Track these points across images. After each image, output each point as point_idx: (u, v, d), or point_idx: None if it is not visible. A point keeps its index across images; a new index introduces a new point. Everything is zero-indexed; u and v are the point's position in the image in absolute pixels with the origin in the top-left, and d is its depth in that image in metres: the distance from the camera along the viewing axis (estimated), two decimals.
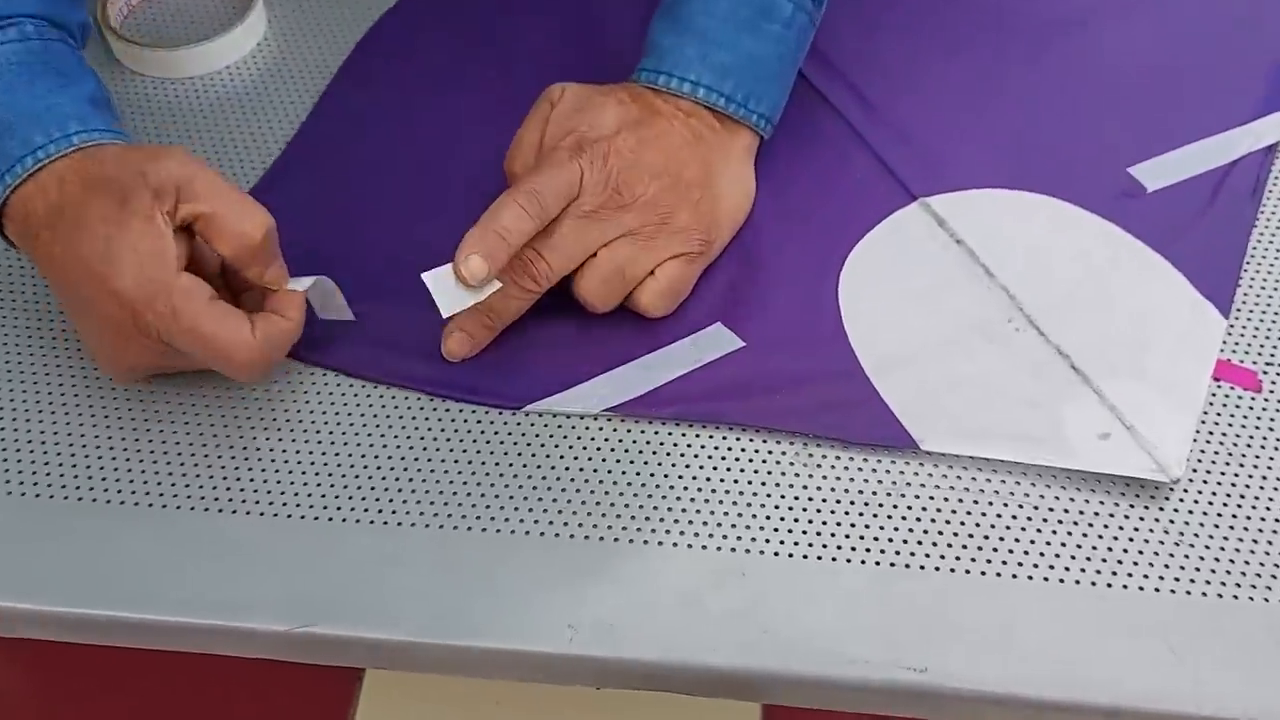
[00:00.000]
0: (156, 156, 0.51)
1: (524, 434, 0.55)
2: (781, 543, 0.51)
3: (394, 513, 0.52)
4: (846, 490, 0.53)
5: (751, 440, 0.55)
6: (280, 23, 0.75)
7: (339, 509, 0.53)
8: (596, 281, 0.56)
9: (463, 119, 0.69)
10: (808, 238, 0.62)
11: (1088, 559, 0.51)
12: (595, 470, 0.54)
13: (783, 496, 0.53)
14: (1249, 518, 0.52)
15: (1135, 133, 0.66)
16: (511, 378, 0.57)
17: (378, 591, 0.50)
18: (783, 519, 0.52)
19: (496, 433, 0.55)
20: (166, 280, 0.49)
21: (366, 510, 0.53)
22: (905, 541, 0.51)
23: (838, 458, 0.54)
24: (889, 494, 0.53)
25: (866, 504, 0.53)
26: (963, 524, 0.52)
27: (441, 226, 0.54)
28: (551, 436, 0.55)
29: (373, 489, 0.53)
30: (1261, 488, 0.53)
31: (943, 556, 0.51)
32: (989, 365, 0.56)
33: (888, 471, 0.54)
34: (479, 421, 0.56)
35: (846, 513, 0.52)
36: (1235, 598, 0.49)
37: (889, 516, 0.52)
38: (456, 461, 0.54)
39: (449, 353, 0.57)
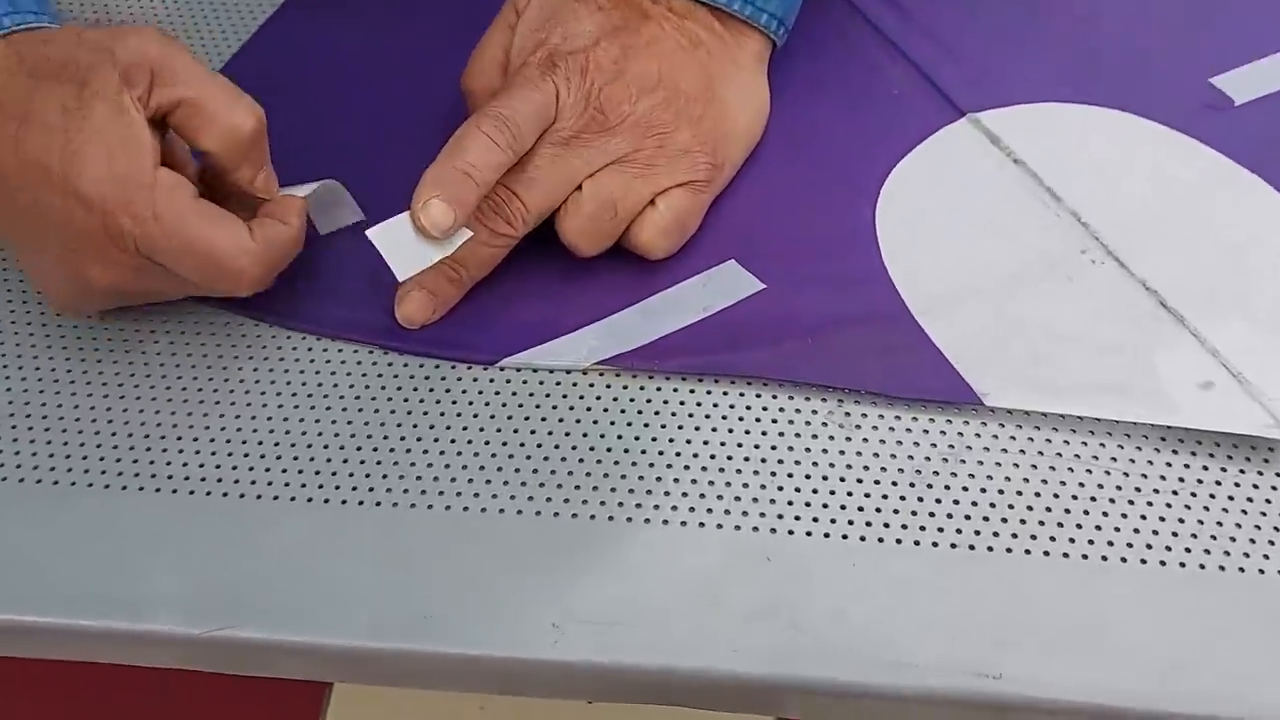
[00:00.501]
0: (124, 34, 0.42)
1: (497, 394, 0.45)
2: (815, 520, 0.42)
3: (336, 488, 0.43)
4: (894, 456, 0.43)
5: (775, 397, 0.45)
6: None
7: (267, 484, 0.43)
8: (582, 219, 0.46)
9: (431, 38, 0.59)
10: (836, 159, 0.52)
11: (1193, 536, 0.41)
12: (585, 435, 0.44)
13: (814, 464, 0.43)
14: None
15: (1217, 39, 0.57)
16: (484, 329, 0.47)
17: (313, 586, 0.40)
18: (815, 491, 0.42)
19: (465, 392, 0.45)
20: (144, 176, 0.40)
21: (303, 486, 0.43)
22: (968, 517, 0.42)
23: (881, 416, 0.44)
24: (945, 460, 0.43)
25: (919, 472, 0.43)
26: (1038, 495, 0.42)
27: (403, 162, 0.45)
28: (532, 395, 0.45)
29: (311, 460, 0.43)
30: None
31: (1014, 535, 0.41)
32: (1062, 304, 0.47)
33: (943, 432, 0.44)
34: (443, 379, 0.46)
35: (894, 483, 0.42)
36: None
37: (946, 487, 0.42)
38: (416, 426, 0.44)
39: (406, 318, 0.47)
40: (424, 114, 0.55)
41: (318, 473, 0.43)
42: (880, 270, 0.48)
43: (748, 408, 0.45)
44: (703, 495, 0.42)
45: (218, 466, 0.43)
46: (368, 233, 0.43)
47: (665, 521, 0.42)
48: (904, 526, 0.41)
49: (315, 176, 0.48)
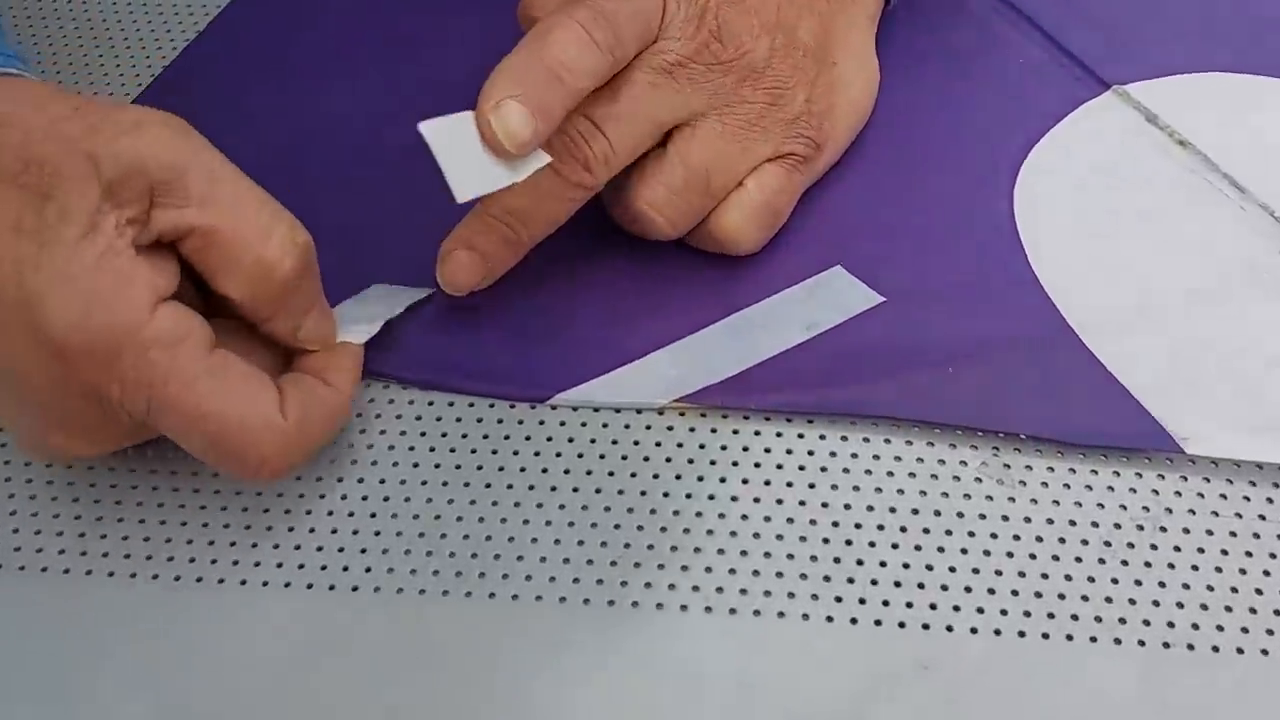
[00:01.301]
0: (116, 126, 0.29)
1: (549, 440, 0.35)
2: (979, 611, 0.31)
3: (323, 568, 0.32)
4: (1073, 523, 0.33)
5: (910, 444, 0.35)
6: None
7: (253, 565, 0.32)
8: (665, 191, 0.36)
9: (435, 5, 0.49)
10: (958, 142, 0.42)
11: None
12: (666, 495, 0.34)
13: (970, 534, 0.33)
14: None
15: None
16: (529, 352, 0.37)
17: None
18: (976, 571, 0.32)
19: (507, 438, 0.35)
20: (135, 328, 0.28)
21: (279, 567, 0.32)
22: (1180, 605, 0.31)
23: (1050, 469, 0.34)
24: (1141, 527, 0.33)
25: (1108, 544, 0.32)
26: (1267, 574, 0.32)
27: (400, 136, 0.33)
28: (594, 442, 0.35)
29: (210, 542, 0.33)
30: None
31: (1244, 630, 0.31)
32: (1270, 321, 0.36)
33: (1132, 490, 0.34)
34: (479, 420, 0.35)
35: (1078, 559, 0.32)
36: None
37: (1147, 564, 0.32)
38: (445, 486, 0.34)
39: (449, 281, 0.36)
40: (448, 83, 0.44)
41: (297, 547, 0.32)
42: (1029, 277, 0.38)
43: (875, 457, 0.34)
44: (827, 578, 0.32)
45: (189, 542, 0.33)
46: (420, 126, 0.31)
47: (781, 614, 0.31)
48: (1098, 619, 0.31)
49: (327, 147, 0.37)
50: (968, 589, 0.32)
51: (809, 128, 0.38)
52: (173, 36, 0.47)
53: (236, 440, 0.29)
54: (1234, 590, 0.32)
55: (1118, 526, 0.33)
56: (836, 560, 0.32)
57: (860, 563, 0.32)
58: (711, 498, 0.33)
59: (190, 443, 0.30)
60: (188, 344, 0.29)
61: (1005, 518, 0.33)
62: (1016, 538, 0.33)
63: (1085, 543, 0.32)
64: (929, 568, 0.32)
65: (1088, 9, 0.47)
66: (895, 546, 0.32)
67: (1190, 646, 0.31)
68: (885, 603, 0.31)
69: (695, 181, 0.36)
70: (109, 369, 0.28)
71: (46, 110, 0.29)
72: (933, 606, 0.31)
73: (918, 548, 0.32)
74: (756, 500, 0.33)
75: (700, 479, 0.34)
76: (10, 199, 0.28)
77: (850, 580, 0.32)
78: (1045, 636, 0.31)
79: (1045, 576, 0.32)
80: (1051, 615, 0.31)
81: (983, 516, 0.33)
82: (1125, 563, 0.32)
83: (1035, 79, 0.44)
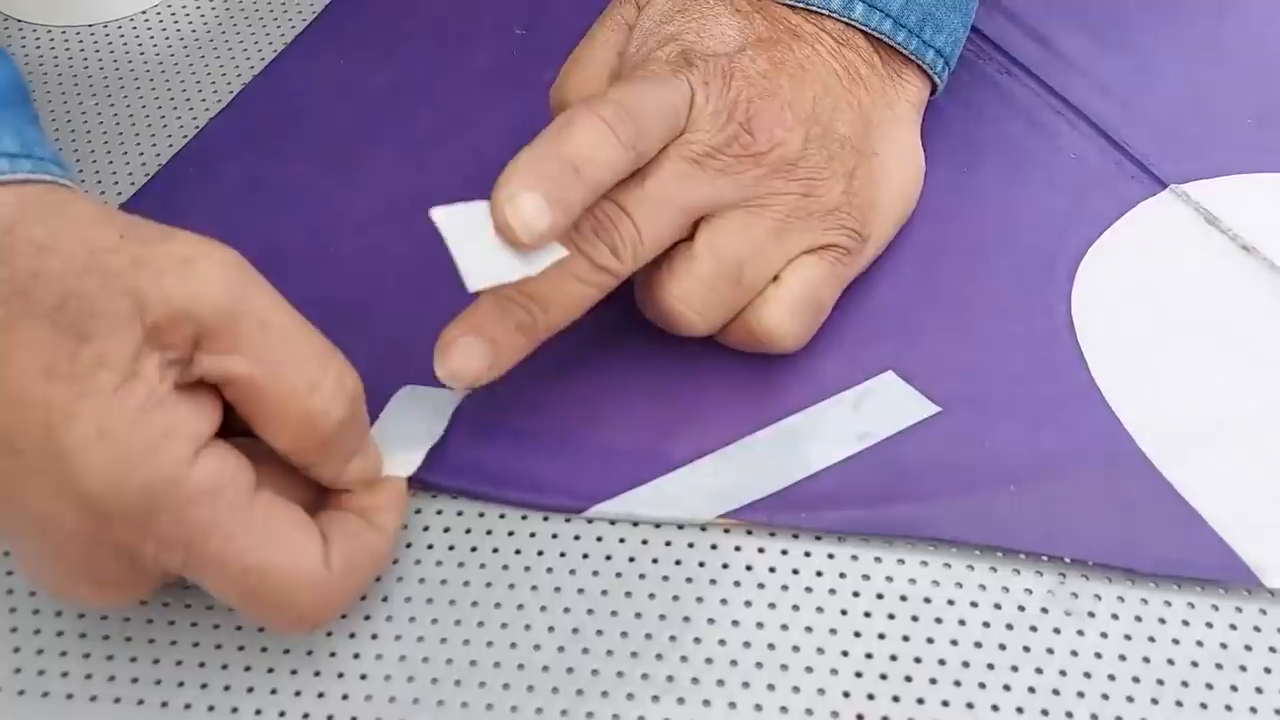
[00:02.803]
0: (161, 257, 0.27)
1: (586, 556, 0.33)
2: None
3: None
4: (1147, 660, 0.31)
5: (971, 568, 0.33)
6: None
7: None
8: (695, 282, 0.34)
9: (468, 81, 0.47)
10: (1010, 240, 0.41)
11: None
12: (711, 622, 0.31)
13: (1038, 670, 0.31)
14: None
15: None
16: (562, 458, 0.35)
17: None
18: (1045, 714, 0.30)
19: (541, 554, 0.33)
20: (174, 483, 0.26)
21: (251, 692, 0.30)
22: None
23: (1120, 599, 0.32)
24: (1220, 666, 0.31)
25: (1185, 684, 0.30)
26: (1274, 650, 0.30)
27: (424, 222, 0.31)
28: (633, 561, 0.33)
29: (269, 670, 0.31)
30: None
31: None
32: None
33: (1209, 624, 0.31)
34: (511, 533, 0.33)
35: (1154, 700, 0.30)
36: None
37: (1228, 708, 0.30)
38: (452, 605, 0.32)
39: (453, 372, 0.32)
40: (465, 172, 0.43)
41: (317, 673, 0.30)
42: (1091, 389, 0.36)
43: (934, 583, 0.32)
44: (886, 719, 0.30)
45: (200, 665, 0.31)
46: (432, 213, 0.29)
47: None
48: None
49: (344, 236, 0.35)
50: None
51: (850, 219, 0.36)
52: (195, 114, 0.46)
53: (277, 596, 0.27)
54: None
55: (1195, 665, 0.31)
56: (895, 699, 0.30)
57: (921, 701, 0.30)
58: (760, 625, 0.31)
59: (227, 596, 0.28)
60: (228, 494, 0.27)
61: (1074, 653, 0.31)
62: (1087, 675, 0.30)
63: (1160, 682, 0.30)
64: (995, 708, 0.30)
65: (1139, 103, 0.45)
66: (958, 684, 0.30)
67: None
68: None
69: (726, 273, 0.34)
70: (145, 528, 0.26)
71: (89, 238, 0.27)
72: None
73: (982, 685, 0.30)
74: (809, 630, 0.31)
75: (748, 604, 0.32)
76: (44, 339, 0.26)
77: None
78: None
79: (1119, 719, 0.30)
80: None
81: (1050, 651, 0.31)
82: (1204, 705, 0.30)
83: (1089, 175, 0.43)
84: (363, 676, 0.30)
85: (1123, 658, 0.31)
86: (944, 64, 0.40)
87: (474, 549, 0.33)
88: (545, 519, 0.34)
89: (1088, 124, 0.44)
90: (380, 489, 0.31)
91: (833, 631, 0.31)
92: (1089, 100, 0.45)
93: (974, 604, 0.32)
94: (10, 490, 0.26)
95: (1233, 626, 0.31)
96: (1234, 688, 0.30)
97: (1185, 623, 0.31)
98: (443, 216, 0.29)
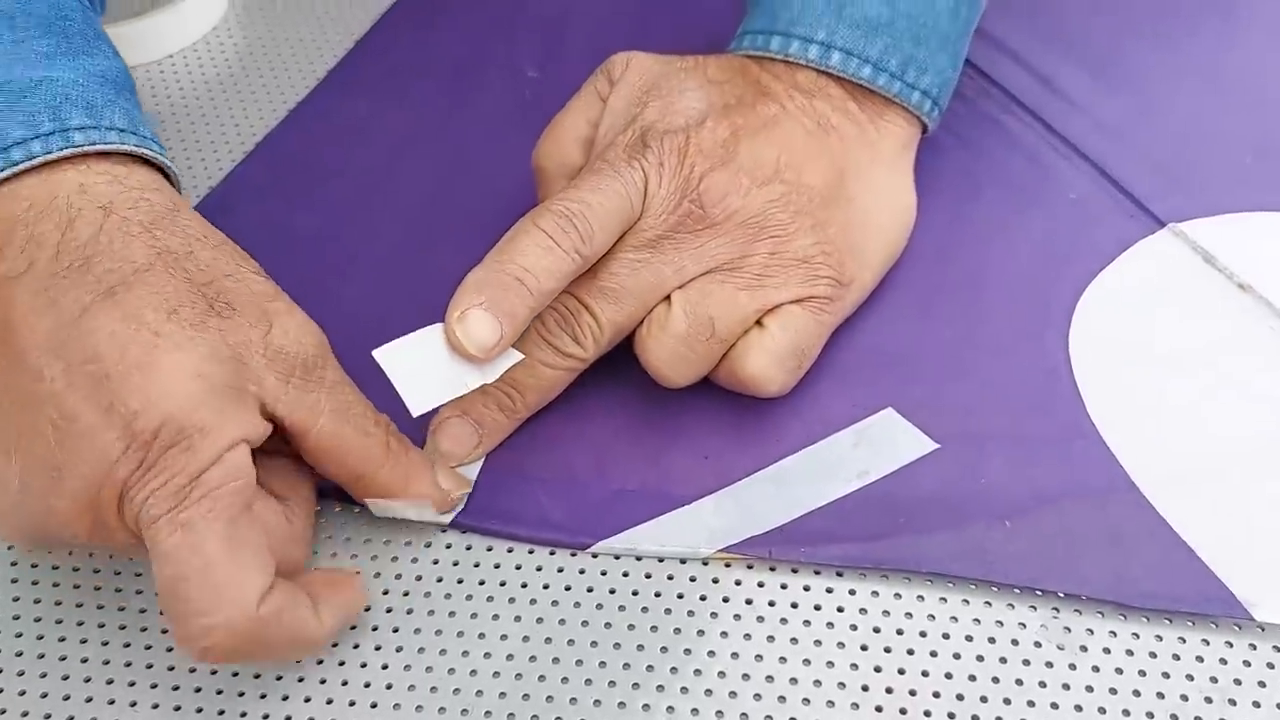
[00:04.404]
0: (280, 297, 0.33)
1: (590, 590, 0.34)
2: None
3: None
4: (1137, 693, 0.31)
5: (966, 602, 0.33)
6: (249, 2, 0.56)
7: None
8: (669, 341, 0.36)
9: (484, 123, 0.49)
10: (1007, 278, 0.42)
11: None
12: (711, 655, 0.32)
13: (1029, 703, 0.31)
14: None
15: None
16: (565, 496, 0.36)
17: None
18: None
19: (547, 587, 0.34)
20: (214, 441, 0.29)
21: None
22: None
23: (1113, 634, 0.33)
24: (1209, 698, 0.31)
25: (1174, 717, 0.31)
26: (1263, 685, 0.30)
27: (445, 264, 0.35)
28: (636, 594, 0.34)
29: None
30: None
31: None
32: None
33: (1199, 658, 0.32)
34: (518, 567, 0.34)
35: None
36: None
37: (1154, 654, 0.31)
38: (457, 638, 0.33)
39: (444, 452, 0.36)
40: (478, 211, 0.44)
41: (329, 701, 0.31)
42: (1088, 428, 0.37)
43: (930, 617, 0.33)
44: None
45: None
46: (374, 353, 0.32)
47: None
48: None
49: (361, 277, 0.37)
50: None
51: (826, 268, 0.37)
52: (220, 159, 0.48)
53: (200, 596, 0.28)
54: None
55: (1184, 698, 0.31)
56: None
57: None
58: (759, 658, 0.32)
59: (163, 571, 0.28)
60: (228, 488, 0.29)
61: (1066, 686, 0.32)
62: (1079, 708, 0.31)
63: (1150, 715, 0.31)
64: None
65: (1138, 141, 0.46)
66: (951, 716, 0.31)
67: None
68: None
69: (699, 330, 0.35)
70: (163, 469, 0.28)
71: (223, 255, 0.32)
72: None
73: (975, 718, 0.31)
74: (806, 662, 0.32)
75: (747, 636, 0.33)
76: (184, 293, 0.30)
77: None
78: None
79: None
80: None
81: (1043, 685, 0.32)
82: None
83: (1087, 214, 0.44)
84: (373, 706, 0.31)
85: (1114, 691, 0.31)
86: (932, 104, 0.41)
87: (482, 582, 0.34)
88: (551, 553, 0.35)
89: (1087, 163, 0.45)
90: (338, 587, 0.32)
91: (830, 664, 0.32)
92: (1088, 138, 0.46)
93: (969, 638, 0.33)
94: (69, 397, 0.28)
95: (1222, 661, 0.32)
96: None
97: (1176, 656, 0.32)
98: (385, 354, 0.32)
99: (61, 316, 0.29)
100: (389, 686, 0.32)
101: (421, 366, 0.32)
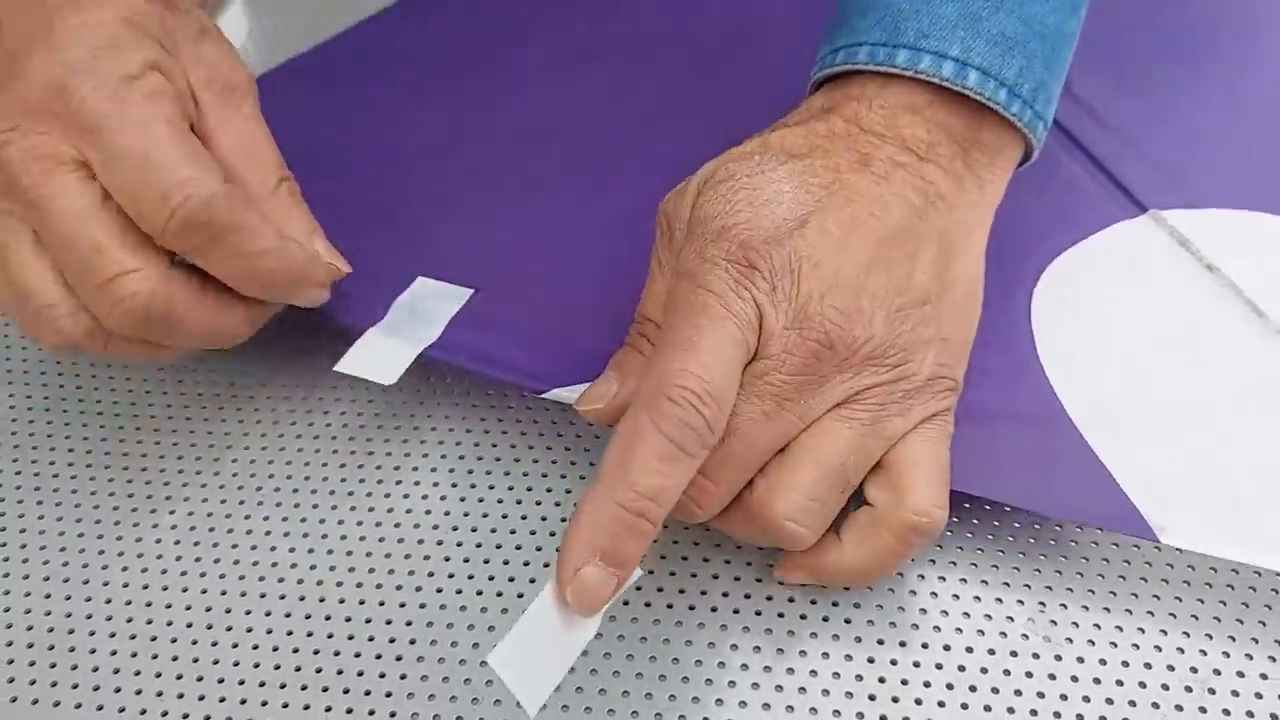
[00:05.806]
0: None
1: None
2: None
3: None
4: (1120, 682, 0.33)
5: (957, 597, 0.35)
6: (268, 29, 0.55)
7: None
8: (800, 496, 0.31)
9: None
10: (991, 235, 0.43)
11: None
12: (706, 662, 0.33)
13: (1017, 692, 0.33)
14: None
15: None
16: (530, 345, 0.39)
17: None
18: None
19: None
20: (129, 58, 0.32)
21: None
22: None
23: (1097, 626, 0.34)
24: (1189, 688, 0.33)
25: (1155, 705, 0.32)
26: (1241, 675, 0.32)
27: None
28: (627, 603, 0.35)
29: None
30: None
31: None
32: (1268, 433, 0.37)
33: (1179, 650, 0.34)
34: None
35: None
36: None
37: (1136, 645, 0.32)
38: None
39: (582, 605, 0.29)
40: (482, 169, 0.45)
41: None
42: (1034, 365, 0.39)
43: (922, 611, 0.34)
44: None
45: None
46: (488, 659, 0.29)
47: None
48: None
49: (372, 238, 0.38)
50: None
51: (947, 381, 0.33)
52: None
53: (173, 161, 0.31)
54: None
55: (1165, 688, 0.33)
56: (860, 716, 0.32)
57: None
58: (757, 649, 0.33)
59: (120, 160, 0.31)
60: (165, 96, 0.32)
61: (1052, 676, 0.33)
62: (1064, 697, 0.33)
63: (1133, 704, 0.32)
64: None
65: (1138, 141, 0.47)
66: (942, 705, 0.32)
67: None
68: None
69: (832, 480, 0.31)
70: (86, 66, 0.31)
71: None
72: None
73: (964, 706, 0.32)
74: (802, 654, 0.33)
75: (757, 649, 0.34)
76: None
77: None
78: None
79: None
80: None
81: (1029, 675, 0.33)
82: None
83: (1074, 195, 0.45)
84: (392, 715, 0.33)
85: (1098, 681, 0.33)
86: (1044, 126, 0.36)
87: (499, 594, 0.35)
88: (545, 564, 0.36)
89: (1081, 151, 0.47)
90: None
91: (824, 655, 0.33)
92: (1092, 135, 0.48)
93: (959, 630, 0.34)
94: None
95: (1202, 652, 0.33)
96: (1202, 709, 0.32)
97: (1158, 648, 0.34)
98: (498, 660, 0.28)
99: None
100: (410, 695, 0.33)
101: (534, 656, 0.29)
